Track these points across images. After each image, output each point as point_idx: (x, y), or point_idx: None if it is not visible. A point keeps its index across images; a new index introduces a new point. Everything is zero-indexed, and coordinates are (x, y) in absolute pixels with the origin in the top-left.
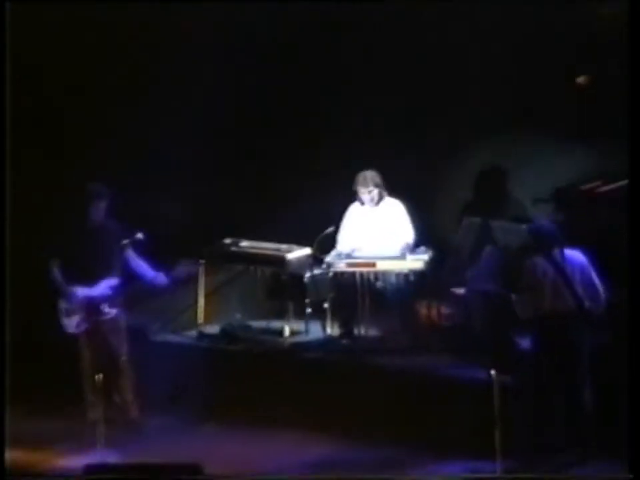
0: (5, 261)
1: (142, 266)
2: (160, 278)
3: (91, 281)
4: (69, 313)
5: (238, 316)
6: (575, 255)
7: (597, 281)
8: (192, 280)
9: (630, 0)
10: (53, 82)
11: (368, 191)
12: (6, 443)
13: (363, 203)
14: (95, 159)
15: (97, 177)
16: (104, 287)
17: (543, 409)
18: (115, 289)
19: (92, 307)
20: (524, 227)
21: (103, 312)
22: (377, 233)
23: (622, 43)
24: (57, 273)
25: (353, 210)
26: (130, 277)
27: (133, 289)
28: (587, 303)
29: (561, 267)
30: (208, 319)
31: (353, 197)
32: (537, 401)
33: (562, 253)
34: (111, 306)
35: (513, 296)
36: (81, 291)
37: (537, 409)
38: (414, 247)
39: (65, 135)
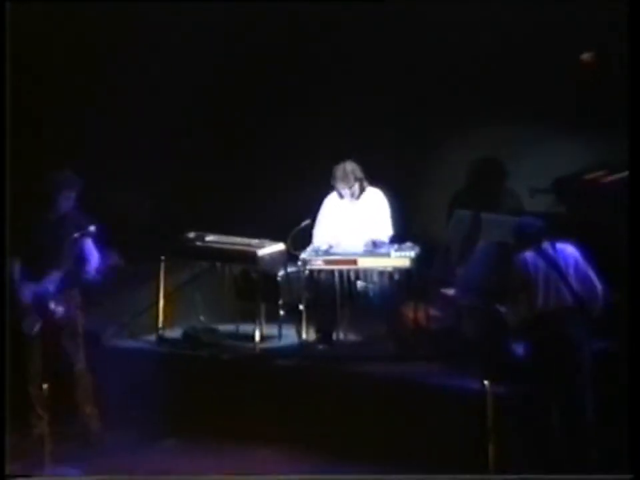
0: None
1: (94, 256)
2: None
3: (41, 276)
4: (24, 313)
5: (202, 318)
6: (567, 249)
7: (593, 275)
8: (152, 278)
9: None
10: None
11: (349, 187)
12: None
13: (342, 197)
14: (53, 147)
15: (58, 166)
16: (50, 281)
17: (540, 420)
18: (58, 283)
19: (40, 305)
20: (518, 220)
21: (51, 311)
22: (358, 226)
23: (623, 27)
24: (15, 268)
25: (331, 201)
26: (76, 270)
27: (79, 283)
28: (584, 299)
29: (553, 261)
30: (169, 322)
31: (331, 187)
32: (533, 412)
33: (553, 247)
34: (57, 304)
35: (502, 308)
36: (30, 287)
37: (533, 420)
38: (399, 243)
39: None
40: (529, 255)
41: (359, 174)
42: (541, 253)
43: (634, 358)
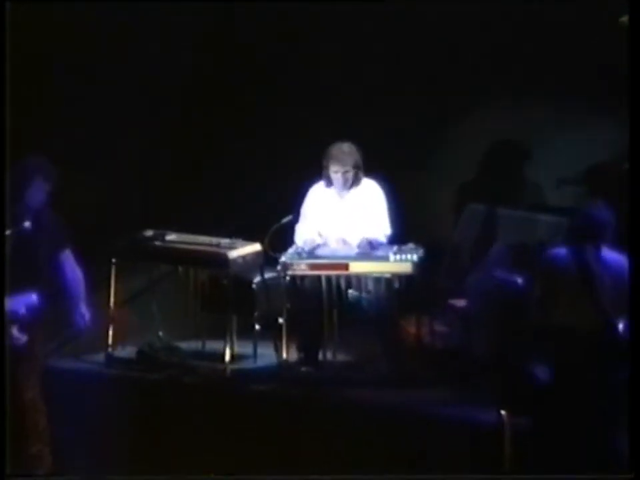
0: None
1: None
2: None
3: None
4: None
5: (161, 334)
6: (610, 255)
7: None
8: (100, 284)
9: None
10: None
11: (344, 170)
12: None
13: (330, 184)
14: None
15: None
16: (19, 302)
17: (565, 458)
18: (32, 308)
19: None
20: (542, 217)
21: (11, 337)
22: (350, 223)
23: None
24: None
25: (317, 193)
26: (57, 292)
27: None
28: (614, 319)
29: (590, 267)
30: (121, 338)
31: (317, 175)
32: (558, 448)
33: (596, 250)
34: (21, 330)
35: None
36: None
37: (558, 458)
38: (399, 244)
39: None
40: (560, 250)
41: (358, 160)
42: (579, 253)
43: (634, 355)
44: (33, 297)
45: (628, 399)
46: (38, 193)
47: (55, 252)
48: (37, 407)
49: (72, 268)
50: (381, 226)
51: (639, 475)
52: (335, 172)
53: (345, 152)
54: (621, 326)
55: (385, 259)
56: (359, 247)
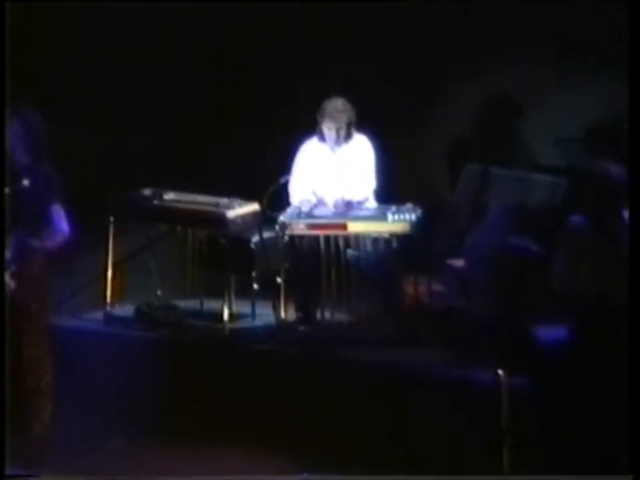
0: None
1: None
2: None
3: None
4: None
5: (159, 293)
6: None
7: None
8: (98, 243)
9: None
10: None
11: (337, 127)
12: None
13: (323, 140)
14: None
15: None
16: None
17: (565, 421)
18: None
19: None
20: (541, 177)
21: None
22: (340, 180)
23: None
24: None
25: (310, 148)
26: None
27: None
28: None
29: (614, 235)
30: (119, 297)
31: (313, 131)
32: (557, 411)
33: (620, 217)
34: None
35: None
36: None
37: (557, 420)
38: (397, 204)
39: None
40: (582, 219)
41: (352, 117)
42: (601, 221)
43: (633, 357)
44: (29, 248)
45: (628, 398)
46: (29, 147)
47: (44, 206)
48: (38, 363)
49: (60, 222)
50: (366, 181)
51: (638, 476)
52: (329, 128)
53: (339, 109)
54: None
55: (383, 218)
56: (335, 206)
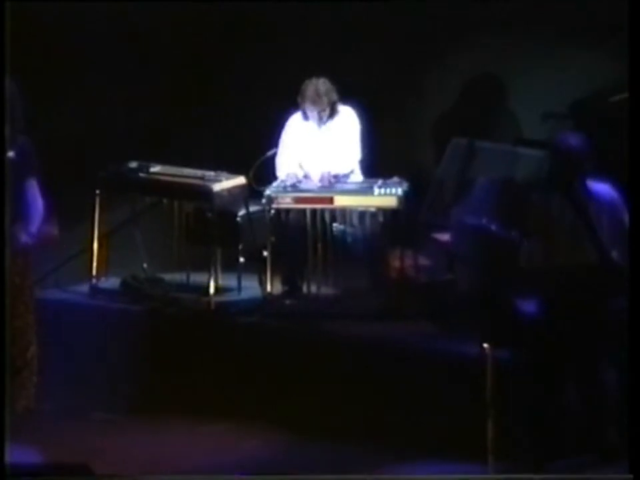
0: None
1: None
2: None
3: None
4: None
5: (145, 266)
6: (602, 190)
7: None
8: (84, 216)
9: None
10: None
11: (318, 110)
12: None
13: (307, 118)
14: None
15: None
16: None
17: (549, 393)
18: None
19: None
20: (527, 151)
21: None
22: (328, 154)
23: None
24: None
25: (295, 123)
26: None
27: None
28: (614, 255)
29: (583, 206)
30: (104, 270)
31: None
32: (542, 384)
33: (586, 187)
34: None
35: (524, 240)
36: None
37: (541, 393)
38: (384, 178)
39: None
40: (554, 194)
41: (334, 96)
42: (571, 192)
43: (633, 356)
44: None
45: (628, 399)
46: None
47: (21, 181)
48: (24, 336)
49: (34, 198)
50: (352, 152)
51: (638, 475)
52: (310, 111)
53: (320, 93)
54: (617, 257)
55: (370, 192)
56: (321, 180)
